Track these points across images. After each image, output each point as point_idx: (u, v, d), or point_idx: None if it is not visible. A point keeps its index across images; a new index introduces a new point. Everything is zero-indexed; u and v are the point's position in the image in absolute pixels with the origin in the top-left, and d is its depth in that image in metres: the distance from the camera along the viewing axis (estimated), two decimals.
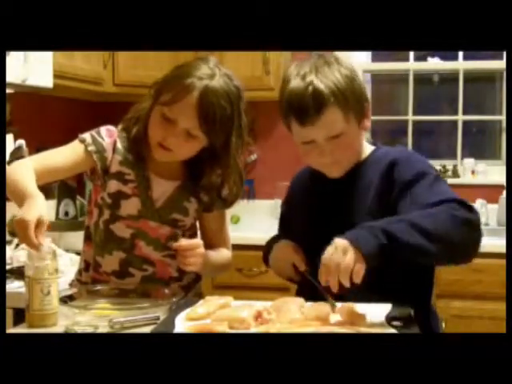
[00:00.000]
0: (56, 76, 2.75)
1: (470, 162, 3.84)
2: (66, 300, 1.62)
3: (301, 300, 1.57)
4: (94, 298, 1.70)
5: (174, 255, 1.79)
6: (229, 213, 1.96)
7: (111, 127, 1.82)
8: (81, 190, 3.36)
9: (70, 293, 1.76)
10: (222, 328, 1.40)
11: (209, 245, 1.86)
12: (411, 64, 4.02)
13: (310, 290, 1.65)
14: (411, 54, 4.00)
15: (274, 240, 1.92)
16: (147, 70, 3.25)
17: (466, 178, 3.80)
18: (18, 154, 2.74)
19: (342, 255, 1.42)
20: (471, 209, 1.55)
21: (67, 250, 2.70)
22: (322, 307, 1.49)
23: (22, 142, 2.87)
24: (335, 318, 1.46)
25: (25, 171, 1.62)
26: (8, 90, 2.58)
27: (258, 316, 1.45)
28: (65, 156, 1.75)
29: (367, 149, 1.80)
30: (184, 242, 1.76)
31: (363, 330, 1.37)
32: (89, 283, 1.84)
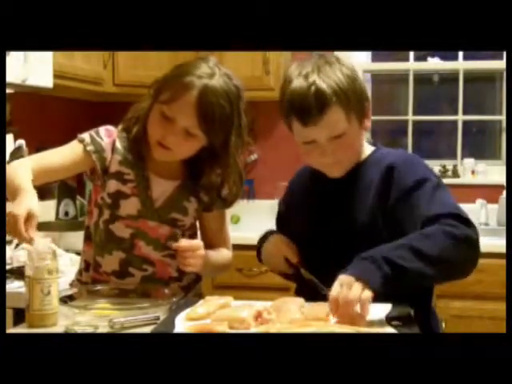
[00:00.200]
0: (56, 76, 2.75)
1: (469, 162, 3.83)
2: (66, 300, 1.62)
3: (301, 300, 1.57)
4: (94, 298, 1.70)
5: (173, 255, 1.79)
6: (229, 213, 1.96)
7: (110, 127, 1.82)
8: (81, 190, 3.36)
9: (70, 293, 1.76)
10: (222, 328, 1.40)
11: (209, 245, 1.85)
12: (411, 64, 4.02)
13: (310, 289, 1.65)
14: (411, 54, 4.00)
15: (265, 236, 1.92)
16: (147, 70, 3.23)
17: (466, 178, 3.80)
18: (17, 154, 2.73)
19: (348, 291, 1.40)
20: (468, 223, 1.54)
21: (67, 250, 2.69)
22: (321, 307, 1.49)
23: (21, 142, 2.87)
24: (335, 317, 1.46)
25: (22, 170, 1.63)
26: (8, 90, 2.58)
27: (258, 316, 1.45)
28: (64, 156, 1.75)
29: (367, 149, 1.80)
30: (184, 242, 1.76)
31: (363, 329, 1.37)
32: (89, 283, 1.84)
